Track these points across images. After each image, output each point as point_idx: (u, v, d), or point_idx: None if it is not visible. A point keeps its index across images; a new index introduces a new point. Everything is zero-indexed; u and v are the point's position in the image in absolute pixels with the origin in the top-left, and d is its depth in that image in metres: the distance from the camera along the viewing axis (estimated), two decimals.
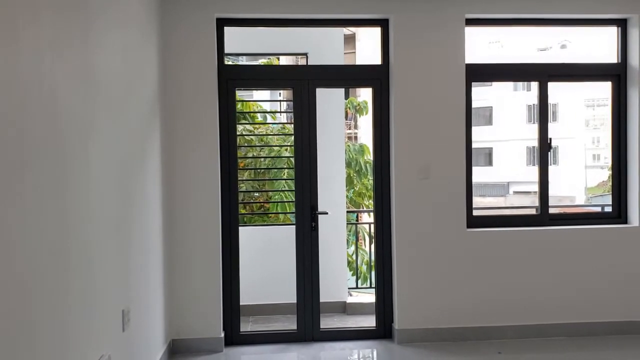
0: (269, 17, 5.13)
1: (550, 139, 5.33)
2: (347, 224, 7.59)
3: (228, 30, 5.08)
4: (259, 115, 8.32)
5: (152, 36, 4.48)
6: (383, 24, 5.14)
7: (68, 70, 2.71)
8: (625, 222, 5.32)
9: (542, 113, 5.35)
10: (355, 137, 18.32)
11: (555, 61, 5.62)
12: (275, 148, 7.36)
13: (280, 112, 9.08)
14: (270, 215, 7.55)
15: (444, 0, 5.01)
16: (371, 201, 5.76)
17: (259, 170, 7.42)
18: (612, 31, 5.39)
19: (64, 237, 2.62)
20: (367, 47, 20.19)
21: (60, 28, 2.63)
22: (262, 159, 7.36)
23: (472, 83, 5.19)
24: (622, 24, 5.29)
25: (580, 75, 5.59)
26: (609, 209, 5.53)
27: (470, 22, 5.12)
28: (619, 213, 5.35)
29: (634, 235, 5.21)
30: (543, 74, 5.34)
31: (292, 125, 5.25)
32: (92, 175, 3.01)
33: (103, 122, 3.21)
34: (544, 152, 5.32)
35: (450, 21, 5.03)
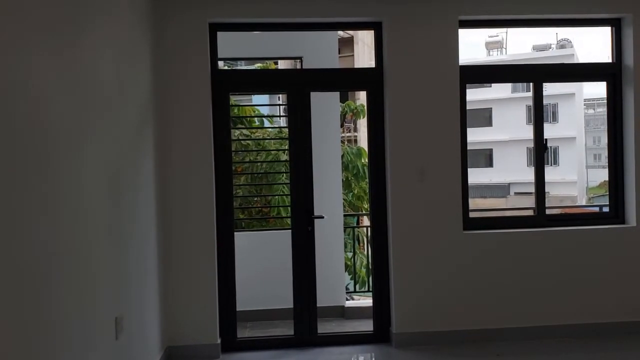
0: (262, 21, 5.12)
1: (546, 139, 5.30)
2: (346, 227, 7.58)
3: (222, 35, 5.07)
4: (256, 119, 8.31)
5: (144, 41, 4.47)
6: (376, 27, 5.12)
7: (57, 76, 2.70)
8: (623, 222, 5.29)
9: (538, 114, 5.32)
10: (355, 140, 18.32)
11: (551, 61, 5.62)
12: (273, 152, 7.34)
13: (280, 115, 9.06)
14: (268, 219, 7.54)
15: (437, 2, 5.00)
16: None
17: (256, 174, 7.40)
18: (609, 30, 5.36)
19: (53, 243, 2.60)
20: (366, 51, 20.21)
21: (50, 33, 2.62)
22: (259, 164, 7.34)
23: (467, 84, 5.18)
24: (616, 23, 5.27)
25: (575, 75, 5.58)
26: (607, 209, 5.50)
27: (464, 24, 5.10)
28: (617, 213, 5.33)
29: (632, 235, 5.18)
30: (538, 75, 5.32)
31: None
32: (83, 180, 2.99)
33: (95, 127, 3.20)
34: (540, 153, 5.29)
35: (443, 23, 5.01)
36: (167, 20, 4.81)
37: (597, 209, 6.79)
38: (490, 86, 26.51)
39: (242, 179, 7.32)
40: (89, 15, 3.20)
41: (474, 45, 33.00)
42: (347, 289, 6.96)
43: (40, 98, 2.50)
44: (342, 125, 10.31)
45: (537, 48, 31.49)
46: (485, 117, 29.50)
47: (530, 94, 5.32)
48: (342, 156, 9.25)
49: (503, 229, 5.20)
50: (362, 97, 15.33)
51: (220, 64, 5.26)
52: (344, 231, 6.94)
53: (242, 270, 5.24)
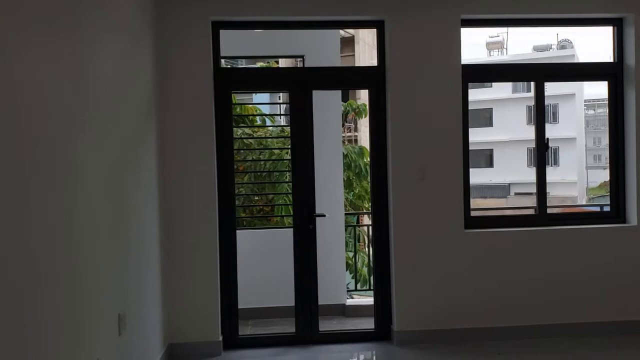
0: (264, 19, 5.14)
1: (548, 139, 5.32)
2: (347, 226, 7.59)
3: (224, 33, 5.08)
4: (257, 118, 8.32)
5: (147, 39, 4.48)
6: (379, 25, 5.13)
7: (59, 73, 2.71)
8: (624, 221, 5.30)
9: (539, 113, 5.33)
10: (356, 140, 18.34)
11: (552, 62, 5.67)
12: (276, 151, 7.35)
13: (280, 114, 9.07)
14: (270, 218, 7.55)
15: (440, 1, 5.01)
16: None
17: (259, 173, 7.40)
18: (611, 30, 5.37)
19: (56, 240, 2.62)
20: (367, 50, 20.22)
21: (51, 30, 2.63)
22: (262, 162, 7.35)
23: (469, 84, 5.19)
24: (618, 23, 5.27)
25: (577, 75, 5.59)
26: (608, 209, 5.51)
27: (466, 22, 5.11)
28: (618, 212, 5.33)
29: (633, 234, 5.19)
30: (539, 74, 5.33)
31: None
32: (85, 177, 3.00)
33: (96, 125, 3.20)
34: (541, 152, 5.30)
35: (445, 22, 5.02)
36: (170, 18, 4.82)
37: (598, 209, 6.80)
38: (491, 86, 26.51)
39: (246, 178, 7.33)
40: (89, 15, 3.19)
41: (474, 46, 33.02)
42: (347, 287, 6.97)
43: (40, 97, 2.50)
44: (342, 125, 10.33)
45: (537, 48, 31.50)
46: (485, 118, 29.50)
47: (531, 94, 5.33)
48: (345, 155, 9.26)
49: (504, 227, 5.21)
50: (363, 96, 15.34)
51: (222, 62, 5.27)
52: (345, 230, 6.95)
53: (243, 268, 5.25)
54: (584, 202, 25.79)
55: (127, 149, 3.83)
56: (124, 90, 3.82)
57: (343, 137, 9.32)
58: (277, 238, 6.17)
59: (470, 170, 5.24)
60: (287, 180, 7.02)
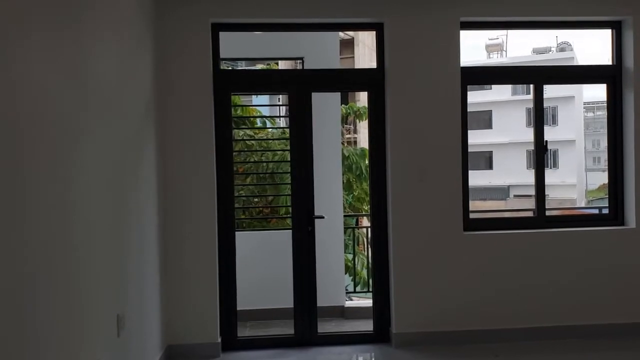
0: (264, 21, 5.14)
1: (547, 141, 5.32)
2: (346, 228, 7.59)
3: (224, 35, 5.09)
4: (258, 120, 8.34)
5: (147, 41, 4.49)
6: (378, 27, 5.14)
7: (59, 75, 2.71)
8: (622, 223, 5.30)
9: (538, 115, 5.34)
10: (355, 142, 18.36)
11: (551, 64, 5.68)
12: (278, 152, 7.36)
13: (280, 116, 9.09)
14: (269, 220, 7.55)
15: (439, 3, 5.02)
16: None
17: (261, 174, 7.40)
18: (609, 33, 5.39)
19: (55, 240, 2.62)
20: (366, 52, 20.24)
21: (51, 32, 2.64)
22: (264, 164, 7.35)
23: (468, 86, 5.20)
24: (616, 26, 5.29)
25: (576, 77, 5.59)
26: (606, 211, 5.52)
27: (465, 25, 5.12)
28: (616, 215, 5.34)
29: (631, 236, 5.19)
30: (538, 77, 5.34)
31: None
32: (84, 178, 3.00)
33: (95, 125, 3.21)
34: (540, 155, 5.31)
35: (445, 24, 5.03)
36: (170, 21, 4.82)
37: (596, 211, 6.81)
38: (491, 88, 26.54)
39: (248, 180, 7.33)
40: (89, 15, 3.20)
41: (474, 48, 33.10)
42: (346, 289, 6.97)
43: (40, 96, 2.50)
44: (342, 127, 10.35)
45: (537, 51, 31.56)
46: (485, 120, 29.54)
47: (530, 96, 5.33)
48: (347, 157, 9.27)
49: (503, 229, 5.21)
50: (362, 98, 15.36)
51: (221, 64, 5.28)
52: (344, 232, 6.96)
53: (242, 270, 5.25)
54: (583, 205, 25.80)
55: (127, 149, 3.83)
56: (124, 90, 3.83)
57: (342, 139, 9.36)
58: (276, 240, 6.17)
59: (470, 172, 5.25)
60: (287, 181, 7.03)
